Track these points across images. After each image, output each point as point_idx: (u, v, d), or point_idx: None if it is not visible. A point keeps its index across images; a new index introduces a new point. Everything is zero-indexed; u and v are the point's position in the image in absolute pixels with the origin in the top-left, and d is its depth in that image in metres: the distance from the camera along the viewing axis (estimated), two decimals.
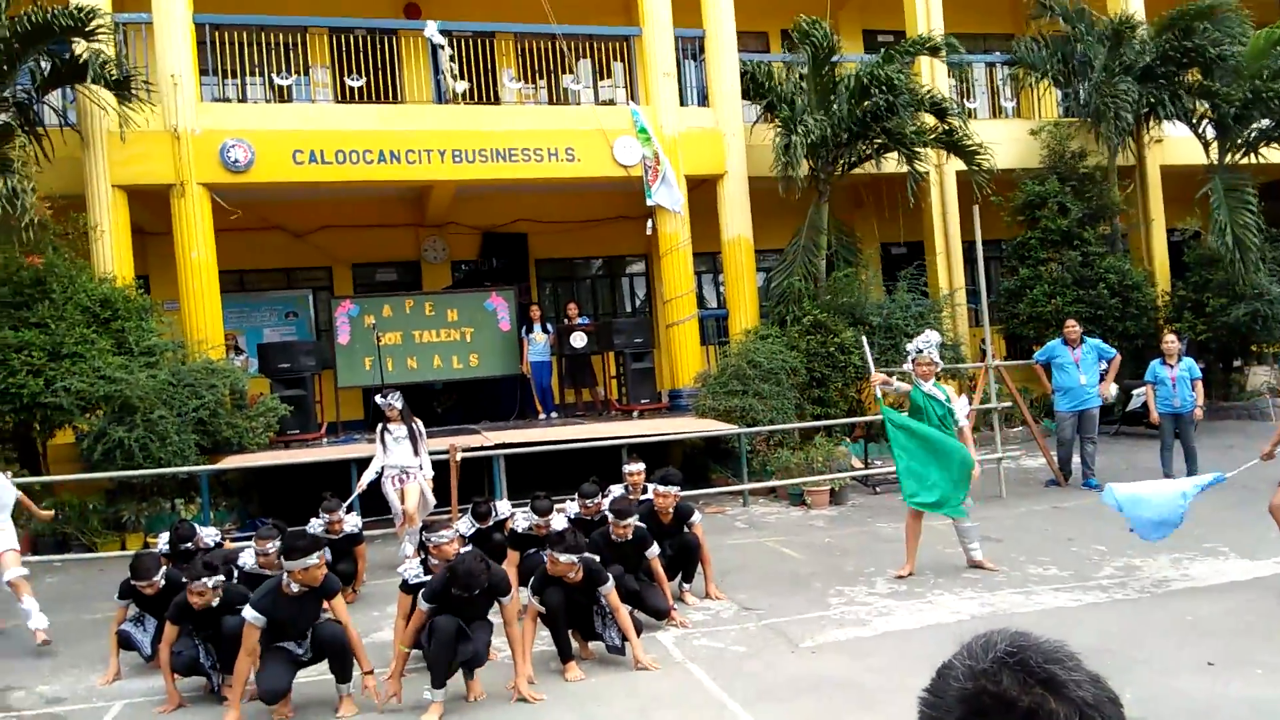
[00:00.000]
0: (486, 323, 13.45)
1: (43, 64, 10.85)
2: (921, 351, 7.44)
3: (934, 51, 13.46)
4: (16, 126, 10.40)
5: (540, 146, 12.75)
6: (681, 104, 13.72)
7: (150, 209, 12.13)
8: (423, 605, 5.15)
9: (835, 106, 12.73)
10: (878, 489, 11.16)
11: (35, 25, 10.01)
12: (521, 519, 6.88)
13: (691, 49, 14.28)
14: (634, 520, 6.35)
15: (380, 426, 8.50)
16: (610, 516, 6.39)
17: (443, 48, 12.71)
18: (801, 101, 13.00)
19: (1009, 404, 11.53)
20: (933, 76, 14.63)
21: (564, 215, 15.28)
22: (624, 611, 5.68)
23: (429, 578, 5.33)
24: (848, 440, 12.23)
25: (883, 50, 12.89)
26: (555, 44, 13.43)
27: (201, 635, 5.50)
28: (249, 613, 5.01)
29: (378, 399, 8.59)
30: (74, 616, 7.40)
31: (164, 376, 9.88)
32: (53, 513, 7.15)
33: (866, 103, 12.58)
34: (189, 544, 6.63)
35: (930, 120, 13.50)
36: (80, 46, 10.55)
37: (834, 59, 13.04)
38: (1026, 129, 15.23)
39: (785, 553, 8.49)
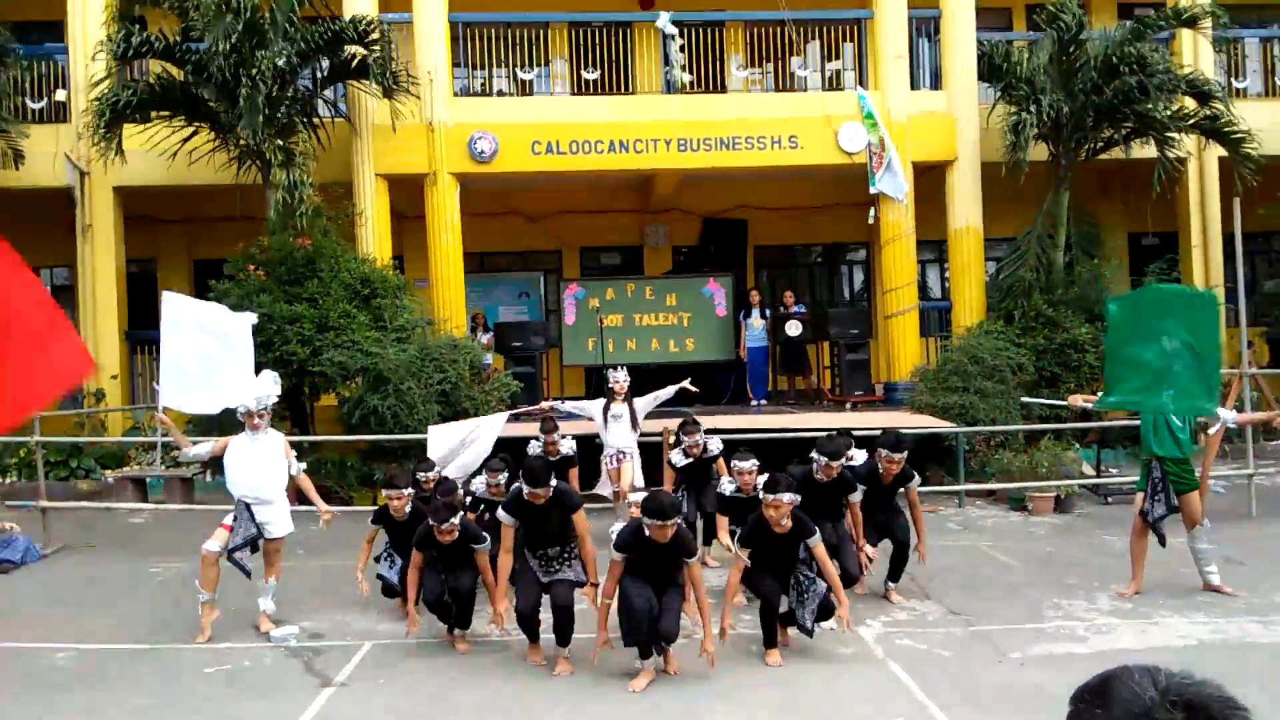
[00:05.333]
0: (703, 308, 13.76)
1: (322, 63, 12.14)
2: None
3: (1190, 23, 12.31)
4: (299, 121, 11.71)
5: (764, 134, 12.86)
6: (912, 87, 13.38)
7: (406, 195, 13.27)
8: (615, 555, 5.43)
9: (1079, 87, 11.96)
10: (1109, 499, 10.55)
11: (328, 37, 11.30)
12: (726, 484, 7.05)
13: (926, 29, 13.87)
14: (842, 463, 6.45)
15: (604, 403, 8.92)
16: (818, 458, 6.41)
17: (673, 38, 13.04)
18: (1041, 81, 12.32)
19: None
20: (1195, 54, 13.44)
21: (785, 202, 15.30)
22: (830, 565, 5.69)
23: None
24: (1078, 445, 11.58)
25: (1131, 23, 11.95)
26: (784, 29, 13.44)
27: (445, 565, 6.11)
28: (502, 514, 5.72)
29: (609, 373, 9.01)
30: (333, 562, 8.38)
31: (413, 351, 10.85)
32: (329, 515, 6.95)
33: (1115, 83, 11.75)
34: (429, 474, 7.27)
35: (1191, 103, 12.43)
36: (354, 49, 11.73)
37: (1081, 37, 12.25)
38: None
39: (1000, 559, 8.26)
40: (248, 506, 6.48)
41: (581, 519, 5.79)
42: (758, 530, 5.64)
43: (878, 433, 10.92)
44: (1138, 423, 7.46)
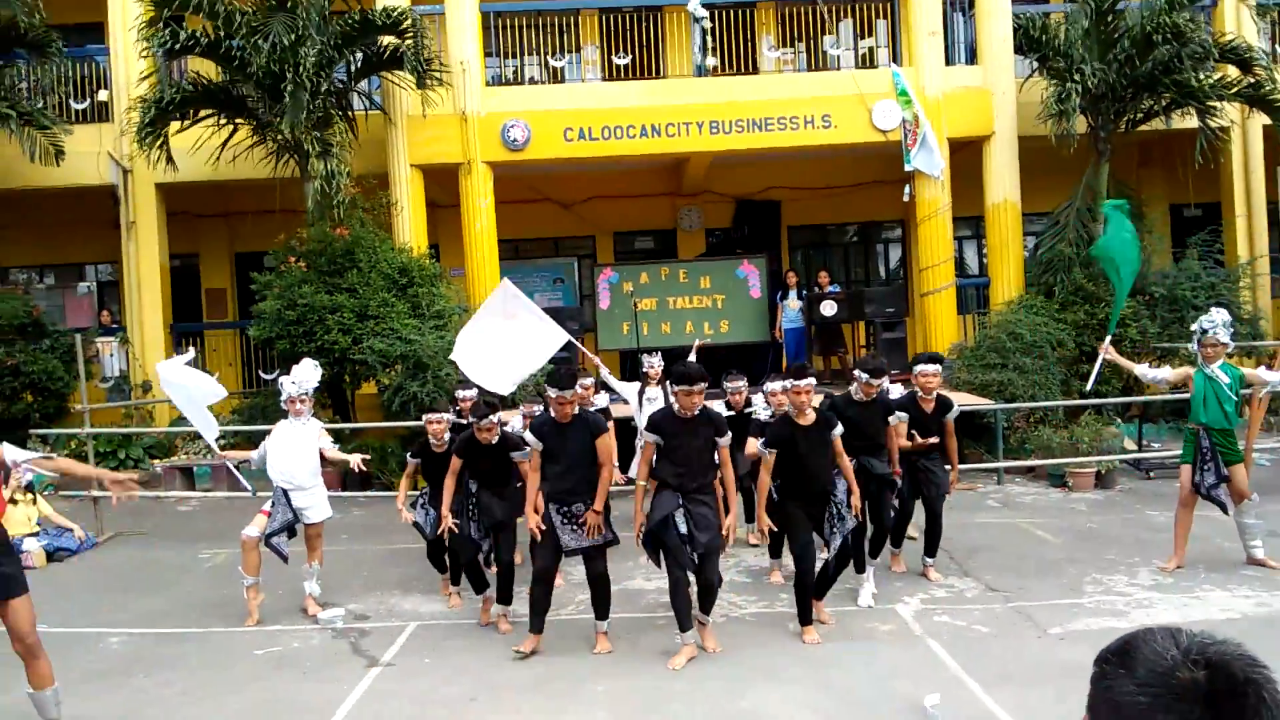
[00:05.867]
0: (737, 290, 13.75)
1: (356, 55, 12.27)
2: (1207, 332, 6.93)
3: None
4: (335, 114, 11.85)
5: (796, 114, 12.78)
6: (947, 62, 13.22)
7: (440, 184, 13.38)
8: (648, 436, 5.54)
9: (1116, 58, 11.75)
10: (1152, 474, 10.41)
11: (358, 26, 11.41)
12: (761, 409, 7.21)
13: (961, 3, 13.70)
14: (884, 383, 6.51)
15: (640, 386, 8.98)
16: (859, 374, 6.44)
17: (701, 20, 12.98)
18: (1080, 53, 12.10)
19: None
20: (1238, 22, 13.12)
21: (818, 182, 15.21)
22: (847, 459, 5.83)
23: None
24: (1120, 420, 11.44)
25: None
26: (815, 8, 13.32)
27: (483, 483, 6.22)
28: (528, 435, 5.73)
29: (643, 357, 9.07)
30: (377, 546, 8.56)
31: (451, 338, 10.97)
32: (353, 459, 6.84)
33: (1153, 53, 11.53)
34: (468, 394, 7.51)
35: (1233, 71, 12.16)
36: (387, 39, 11.83)
37: (1118, 7, 12.01)
38: None
39: (1040, 535, 8.20)
40: (285, 492, 6.62)
41: (605, 443, 5.66)
42: (783, 428, 5.75)
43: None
44: (1181, 397, 7.37)
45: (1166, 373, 7.31)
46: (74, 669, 5.65)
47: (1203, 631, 1.19)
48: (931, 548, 6.98)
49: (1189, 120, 12.22)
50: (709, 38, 13.03)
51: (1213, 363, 6.87)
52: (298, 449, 6.69)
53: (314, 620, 6.52)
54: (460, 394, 7.47)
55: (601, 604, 5.75)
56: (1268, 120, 12.34)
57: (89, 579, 7.97)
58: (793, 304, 13.51)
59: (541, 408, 7.03)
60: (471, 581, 6.39)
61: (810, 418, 5.70)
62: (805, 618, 5.78)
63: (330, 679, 5.44)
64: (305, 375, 6.81)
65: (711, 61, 13.10)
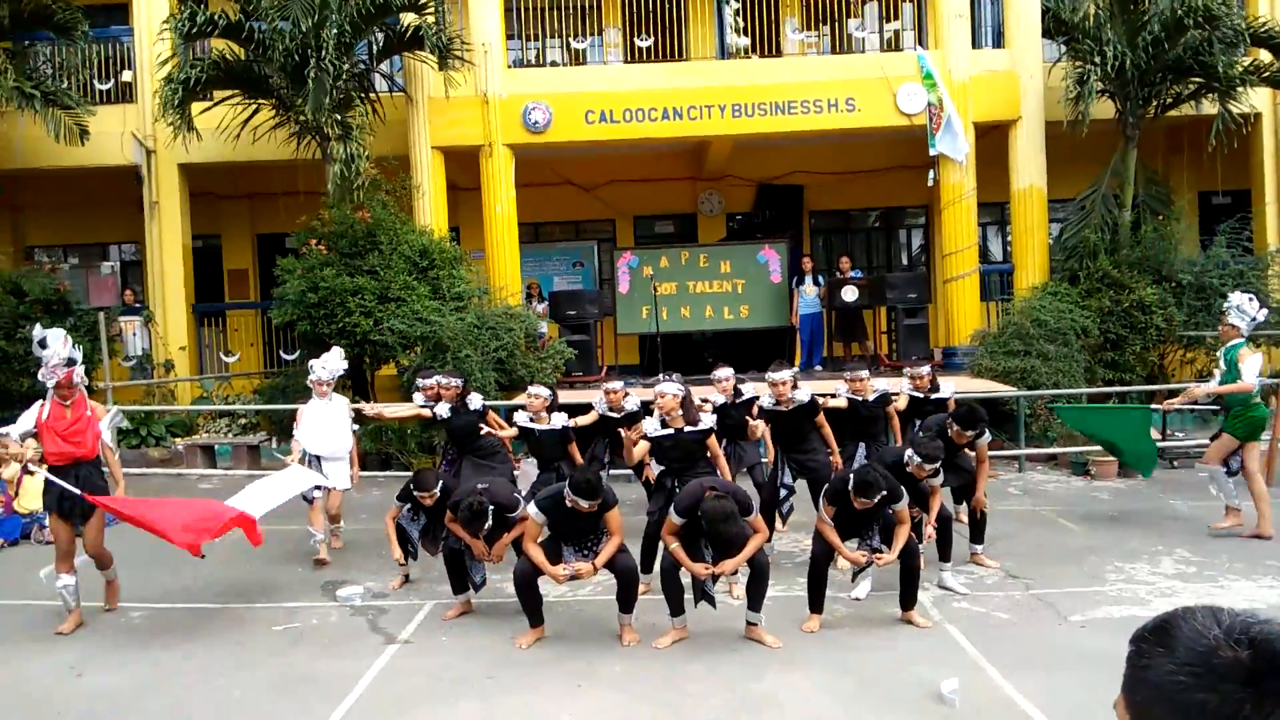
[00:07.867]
0: (758, 275, 13.67)
1: (377, 35, 12.25)
2: (1225, 312, 7.23)
3: None
4: (356, 96, 11.83)
5: (820, 98, 12.67)
6: (974, 45, 13.06)
7: (461, 167, 13.37)
8: (675, 519, 5.39)
9: (1145, 41, 11.55)
10: (1175, 463, 10.30)
11: (379, 4, 11.35)
12: (766, 399, 7.05)
13: None
14: (936, 467, 6.13)
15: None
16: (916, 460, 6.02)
17: (728, 2, 12.88)
18: (1108, 36, 11.91)
19: None
20: (1271, 4, 12.87)
21: (841, 166, 15.10)
22: (907, 525, 5.59)
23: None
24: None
25: None
26: None
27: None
28: (532, 509, 5.52)
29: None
30: None
31: (470, 319, 10.99)
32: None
33: (1183, 38, 11.33)
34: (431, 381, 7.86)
35: (1266, 56, 11.94)
36: (408, 18, 11.79)
37: None
38: None
39: (1061, 523, 8.14)
40: (318, 459, 7.40)
41: (614, 516, 5.55)
42: (840, 499, 5.60)
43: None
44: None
45: (1215, 380, 7.44)
46: (95, 641, 5.71)
47: (1244, 610, 1.16)
48: (977, 534, 6.89)
49: (1218, 106, 12.02)
50: (736, 18, 12.92)
51: (1227, 342, 7.05)
52: (331, 424, 7.51)
53: (332, 596, 6.55)
54: (421, 382, 7.96)
55: (627, 600, 5.57)
56: None
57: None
58: (809, 289, 13.41)
59: (620, 385, 7.36)
60: (452, 580, 6.13)
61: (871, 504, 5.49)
62: (817, 605, 5.69)
63: (348, 655, 5.46)
64: (334, 361, 7.65)
65: (743, 42, 13.00)
